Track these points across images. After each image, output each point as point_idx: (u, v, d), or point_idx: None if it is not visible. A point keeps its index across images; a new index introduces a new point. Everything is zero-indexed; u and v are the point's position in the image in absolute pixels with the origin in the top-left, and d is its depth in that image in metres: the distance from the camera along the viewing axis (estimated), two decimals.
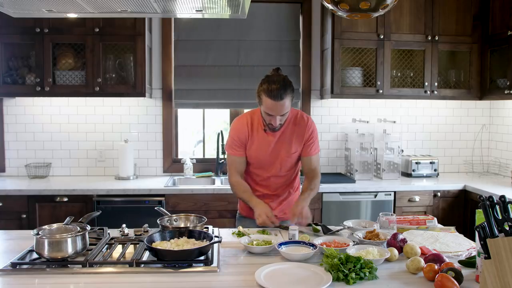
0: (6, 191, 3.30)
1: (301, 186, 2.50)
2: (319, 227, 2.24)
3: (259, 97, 2.26)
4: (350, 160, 3.89)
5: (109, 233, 2.08)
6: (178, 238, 1.87)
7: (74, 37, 3.52)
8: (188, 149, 4.19)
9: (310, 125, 2.43)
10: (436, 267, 1.60)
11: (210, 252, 1.80)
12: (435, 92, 3.77)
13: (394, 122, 3.95)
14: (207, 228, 2.19)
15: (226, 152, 2.47)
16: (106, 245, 1.95)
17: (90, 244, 1.88)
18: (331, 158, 4.10)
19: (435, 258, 1.68)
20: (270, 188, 2.46)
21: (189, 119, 4.18)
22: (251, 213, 2.39)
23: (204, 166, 3.97)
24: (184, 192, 3.38)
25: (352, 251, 1.80)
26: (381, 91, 3.70)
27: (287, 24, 3.97)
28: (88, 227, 1.86)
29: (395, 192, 3.52)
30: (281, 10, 3.96)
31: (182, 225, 2.13)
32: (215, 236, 1.86)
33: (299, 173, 2.57)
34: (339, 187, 3.50)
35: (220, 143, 3.79)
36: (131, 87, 3.58)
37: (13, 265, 1.70)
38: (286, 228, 2.23)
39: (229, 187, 2.47)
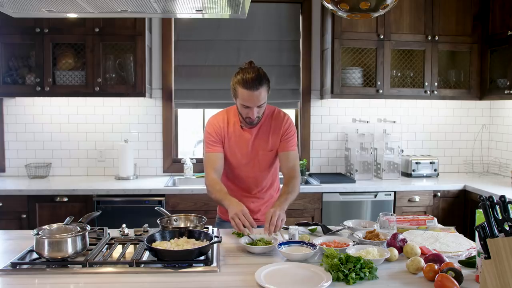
0: (6, 191, 3.30)
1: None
2: (316, 227, 2.24)
3: (234, 90, 2.19)
4: (350, 160, 3.89)
5: (109, 233, 2.08)
6: (178, 238, 1.87)
7: (74, 37, 3.52)
8: (188, 149, 4.19)
9: (286, 120, 2.34)
10: (436, 267, 1.60)
11: (210, 252, 1.80)
12: (435, 92, 3.77)
13: (394, 122, 3.95)
14: (207, 228, 2.19)
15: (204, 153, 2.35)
16: (106, 245, 1.95)
17: (90, 244, 1.88)
18: (331, 158, 4.10)
19: (435, 258, 1.68)
20: (250, 189, 2.38)
21: (189, 119, 4.18)
22: None
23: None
24: (184, 192, 3.38)
25: (352, 251, 1.80)
26: (381, 91, 3.70)
27: (287, 24, 3.98)
28: (88, 227, 1.85)
29: (395, 192, 3.52)
30: (281, 10, 3.96)
31: (182, 225, 2.13)
32: (215, 236, 1.86)
33: (278, 174, 2.48)
34: (339, 187, 3.50)
35: None
36: (131, 87, 3.58)
37: (13, 265, 1.70)
38: (286, 228, 2.23)
39: None
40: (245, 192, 2.39)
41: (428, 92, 3.77)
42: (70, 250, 1.74)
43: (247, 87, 2.12)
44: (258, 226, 2.21)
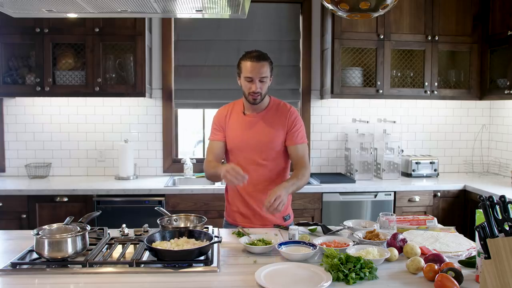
0: (6, 191, 3.30)
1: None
2: (316, 227, 2.24)
3: (239, 69, 2.31)
4: (350, 160, 3.89)
5: (109, 233, 2.08)
6: (178, 238, 1.87)
7: (74, 37, 3.52)
8: (188, 149, 4.20)
9: (292, 112, 2.39)
10: (436, 267, 1.60)
11: (210, 252, 1.80)
12: (435, 92, 3.77)
13: (394, 122, 3.95)
14: (207, 228, 2.19)
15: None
16: (106, 245, 1.95)
17: (90, 244, 1.88)
18: (331, 158, 4.10)
19: (435, 258, 1.68)
20: (253, 181, 2.29)
21: (189, 119, 4.18)
22: (237, 219, 2.39)
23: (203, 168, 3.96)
24: (184, 192, 3.38)
25: (352, 251, 1.80)
26: (381, 91, 3.70)
27: (287, 24, 3.98)
28: (88, 227, 1.85)
29: (395, 192, 3.52)
30: (281, 10, 3.96)
31: (182, 225, 2.13)
32: (215, 236, 1.86)
33: (288, 171, 2.47)
34: (339, 187, 3.50)
35: None
36: (131, 87, 3.58)
37: (13, 265, 1.70)
38: (286, 228, 2.23)
39: None
40: (249, 185, 2.28)
41: (428, 92, 3.77)
42: (70, 250, 1.74)
43: (250, 59, 2.25)
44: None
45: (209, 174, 2.37)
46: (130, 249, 1.93)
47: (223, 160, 2.53)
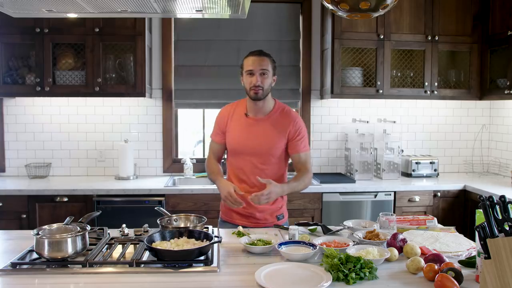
0: (6, 191, 3.30)
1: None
2: (316, 227, 2.24)
3: (241, 68, 2.37)
4: (350, 160, 3.89)
5: (109, 233, 2.08)
6: (178, 238, 1.87)
7: (74, 37, 3.52)
8: (188, 149, 4.19)
9: (297, 120, 2.40)
10: (436, 267, 1.60)
11: (210, 252, 1.80)
12: (435, 92, 3.77)
13: (394, 122, 3.95)
14: (207, 228, 2.19)
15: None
16: (106, 245, 1.95)
17: (90, 244, 1.88)
18: (331, 158, 4.10)
19: (435, 258, 1.68)
20: (251, 184, 2.35)
21: (189, 119, 4.18)
22: (234, 217, 2.40)
23: (204, 166, 3.96)
24: (184, 192, 3.38)
25: (352, 251, 1.80)
26: (381, 91, 3.70)
27: (287, 24, 3.98)
28: (88, 227, 1.85)
29: (395, 192, 3.52)
30: (281, 10, 3.96)
31: (182, 225, 2.13)
32: (215, 236, 1.86)
33: (286, 176, 2.48)
34: (339, 187, 3.50)
35: None
36: (131, 87, 3.58)
37: (13, 265, 1.70)
38: (286, 228, 2.23)
39: None
40: (248, 186, 2.34)
41: (428, 92, 3.77)
42: (70, 250, 1.74)
43: (252, 54, 2.33)
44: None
45: (209, 177, 2.48)
46: (130, 249, 1.93)
47: (223, 160, 2.55)
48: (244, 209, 2.35)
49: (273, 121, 2.37)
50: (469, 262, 1.74)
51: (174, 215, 2.18)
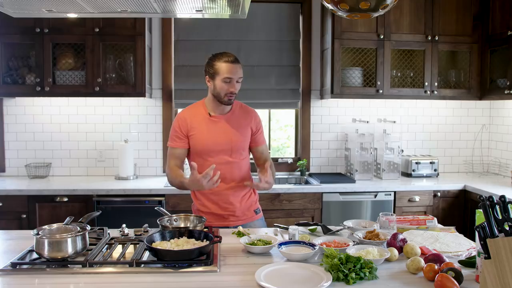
0: (6, 191, 3.30)
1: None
2: (316, 227, 2.24)
3: (213, 68, 2.31)
4: (350, 160, 3.89)
5: (109, 233, 2.08)
6: (178, 238, 1.87)
7: (74, 37, 3.53)
8: None
9: (256, 115, 2.51)
10: (436, 267, 1.60)
11: (210, 252, 1.80)
12: (435, 92, 3.77)
13: (394, 122, 3.95)
14: (207, 228, 2.19)
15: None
16: (106, 245, 1.95)
17: (90, 244, 1.88)
18: (331, 158, 4.10)
19: (435, 258, 1.68)
20: (225, 180, 2.34)
21: None
22: (211, 219, 2.38)
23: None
24: (184, 192, 3.36)
25: (352, 251, 1.80)
26: (381, 91, 3.70)
27: (287, 24, 3.98)
28: (88, 227, 1.85)
29: (395, 192, 3.52)
30: (281, 10, 3.96)
31: (182, 225, 2.13)
32: (215, 236, 1.86)
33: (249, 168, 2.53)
34: (339, 187, 3.50)
35: None
36: (131, 87, 3.59)
37: (13, 265, 1.70)
38: (286, 228, 2.23)
39: None
40: (222, 183, 2.32)
41: (428, 92, 3.77)
42: (70, 250, 1.74)
43: (230, 61, 2.30)
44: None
45: (174, 184, 2.38)
46: (130, 249, 1.93)
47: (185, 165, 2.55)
48: (223, 210, 2.38)
49: (237, 117, 2.43)
50: (469, 262, 1.73)
51: (174, 215, 2.18)
